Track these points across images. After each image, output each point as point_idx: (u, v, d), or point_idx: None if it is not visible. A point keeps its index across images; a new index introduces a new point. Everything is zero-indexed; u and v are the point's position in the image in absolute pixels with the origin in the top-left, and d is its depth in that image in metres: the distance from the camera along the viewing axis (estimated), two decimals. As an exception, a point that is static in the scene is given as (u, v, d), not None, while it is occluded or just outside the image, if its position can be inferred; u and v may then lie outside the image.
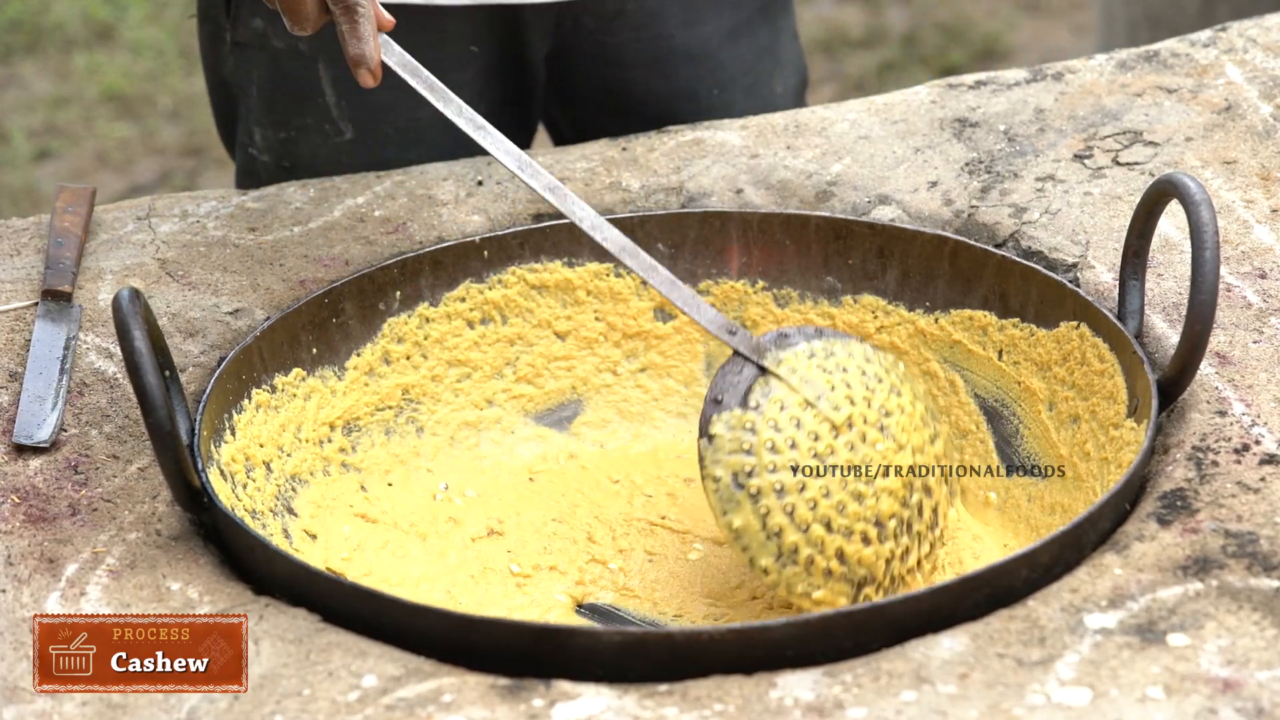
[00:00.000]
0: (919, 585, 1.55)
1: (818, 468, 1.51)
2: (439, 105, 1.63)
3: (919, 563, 1.56)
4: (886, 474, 1.52)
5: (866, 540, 1.51)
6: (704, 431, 1.53)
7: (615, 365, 1.81)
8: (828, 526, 1.51)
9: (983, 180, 1.89)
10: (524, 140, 2.21)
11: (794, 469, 1.51)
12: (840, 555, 1.51)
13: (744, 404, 1.53)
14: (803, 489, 1.51)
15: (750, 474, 1.51)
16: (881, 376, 1.56)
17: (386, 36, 1.65)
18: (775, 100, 2.23)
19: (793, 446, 1.51)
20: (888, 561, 1.53)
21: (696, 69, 2.18)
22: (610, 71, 2.16)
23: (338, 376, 1.72)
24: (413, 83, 1.64)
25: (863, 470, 1.52)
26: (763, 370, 1.54)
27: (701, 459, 1.53)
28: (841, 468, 1.52)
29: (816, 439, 1.52)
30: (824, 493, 1.51)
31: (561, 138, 2.30)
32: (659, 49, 2.16)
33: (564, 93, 2.21)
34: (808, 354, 1.56)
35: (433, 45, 2.00)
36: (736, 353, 1.55)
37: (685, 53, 2.16)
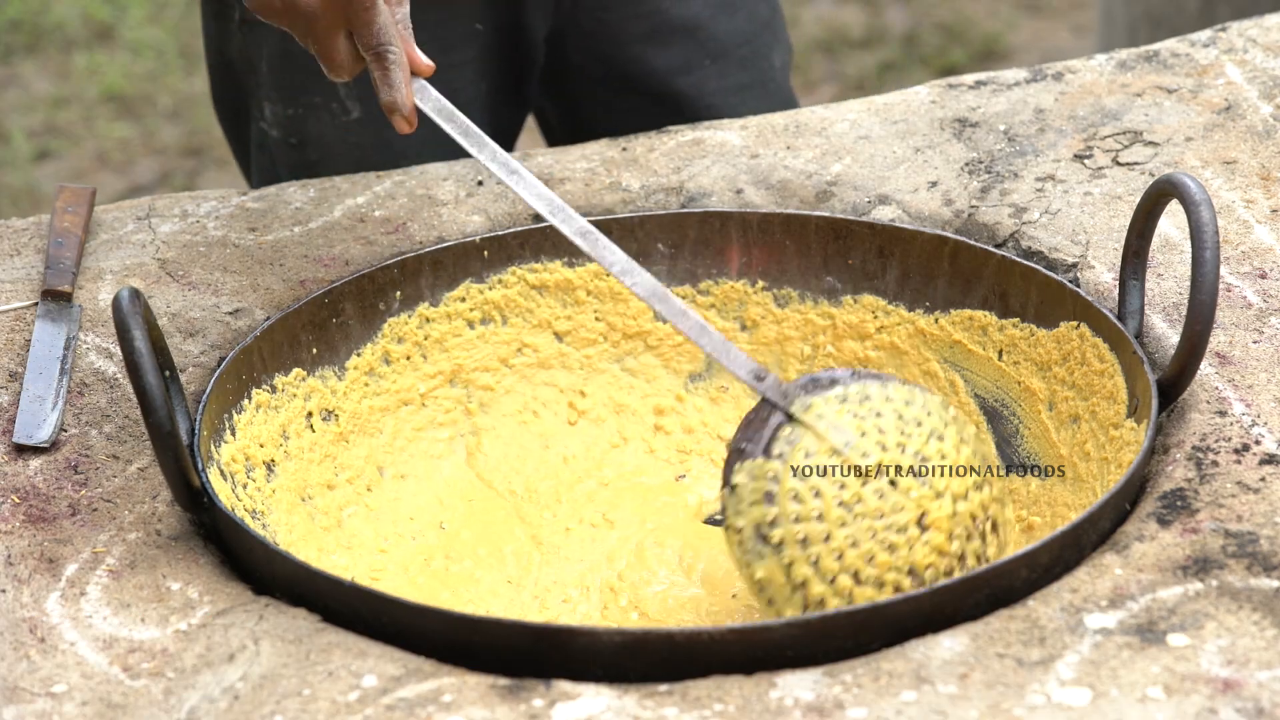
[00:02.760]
0: None
1: (842, 518, 1.46)
2: (474, 151, 1.61)
3: None
4: (920, 522, 1.47)
5: (899, 591, 1.46)
6: (726, 481, 1.50)
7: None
8: (855, 578, 1.46)
9: (983, 180, 1.89)
10: (517, 122, 2.23)
11: (818, 517, 1.46)
12: None
13: (767, 452, 1.49)
14: (827, 539, 1.46)
15: (773, 524, 1.47)
16: (921, 420, 1.51)
17: (423, 81, 1.64)
18: (774, 74, 2.25)
19: (816, 495, 1.47)
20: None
21: (690, 40, 2.20)
22: (608, 49, 2.18)
23: (338, 376, 1.72)
24: (447, 128, 1.63)
25: (889, 517, 1.46)
26: (789, 417, 1.50)
27: (723, 509, 1.50)
28: (870, 516, 1.46)
29: (843, 488, 1.47)
30: (851, 543, 1.46)
31: (550, 130, 2.31)
32: (654, 23, 2.20)
33: (561, 75, 2.22)
34: (839, 399, 1.50)
35: (439, 23, 2.00)
36: (764, 399, 1.51)
37: (680, 25, 2.20)
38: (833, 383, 1.52)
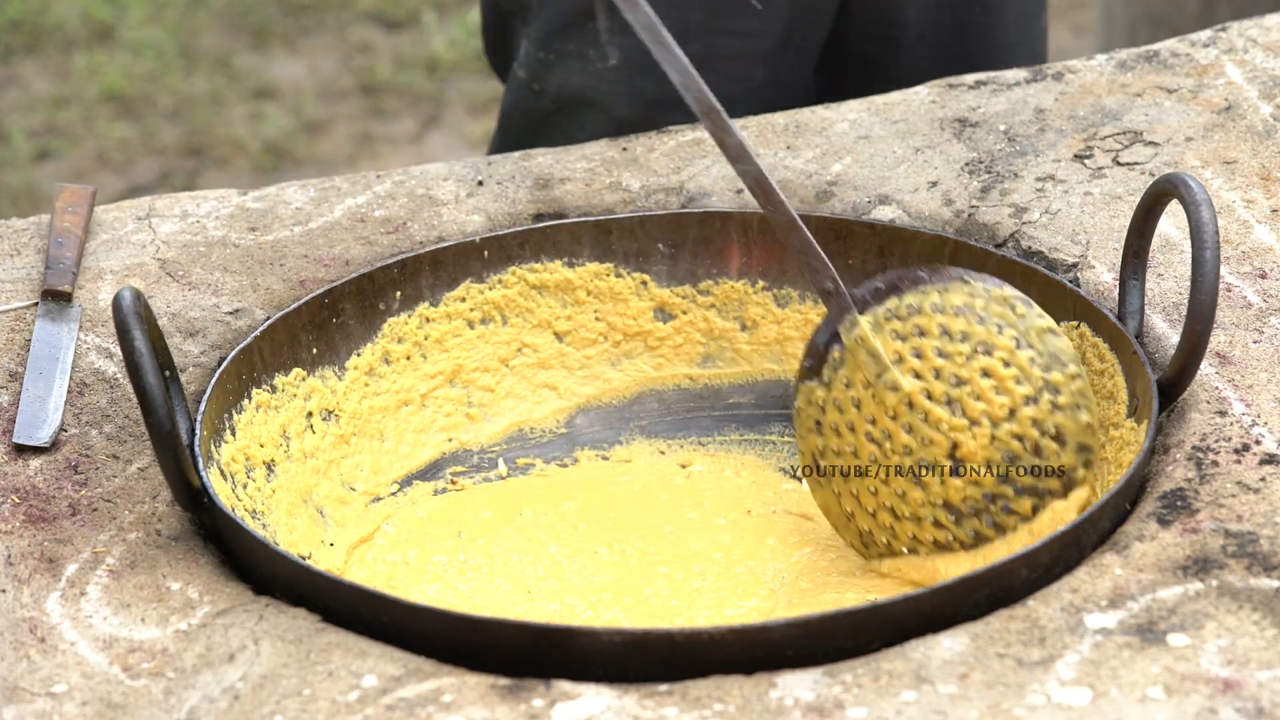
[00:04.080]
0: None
1: (874, 454, 1.48)
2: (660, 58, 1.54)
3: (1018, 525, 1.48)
4: (952, 454, 1.46)
5: (939, 525, 1.47)
6: (793, 395, 1.53)
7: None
8: (893, 514, 1.47)
9: (983, 180, 1.89)
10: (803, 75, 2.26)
11: (853, 452, 1.48)
12: (915, 539, 1.48)
13: (819, 376, 1.52)
14: (862, 473, 1.48)
15: (823, 453, 1.50)
16: (970, 332, 1.47)
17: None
18: (1040, 36, 2.28)
19: (852, 430, 1.49)
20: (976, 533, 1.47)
21: None
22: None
23: (338, 376, 1.72)
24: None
25: (918, 453, 1.46)
26: (838, 339, 1.51)
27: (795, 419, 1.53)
28: (899, 452, 1.48)
29: (874, 422, 1.48)
30: (883, 479, 1.47)
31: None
32: None
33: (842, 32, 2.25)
34: (886, 315, 1.50)
35: None
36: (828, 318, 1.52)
37: None
38: (893, 289, 1.51)
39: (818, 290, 1.53)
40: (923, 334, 1.49)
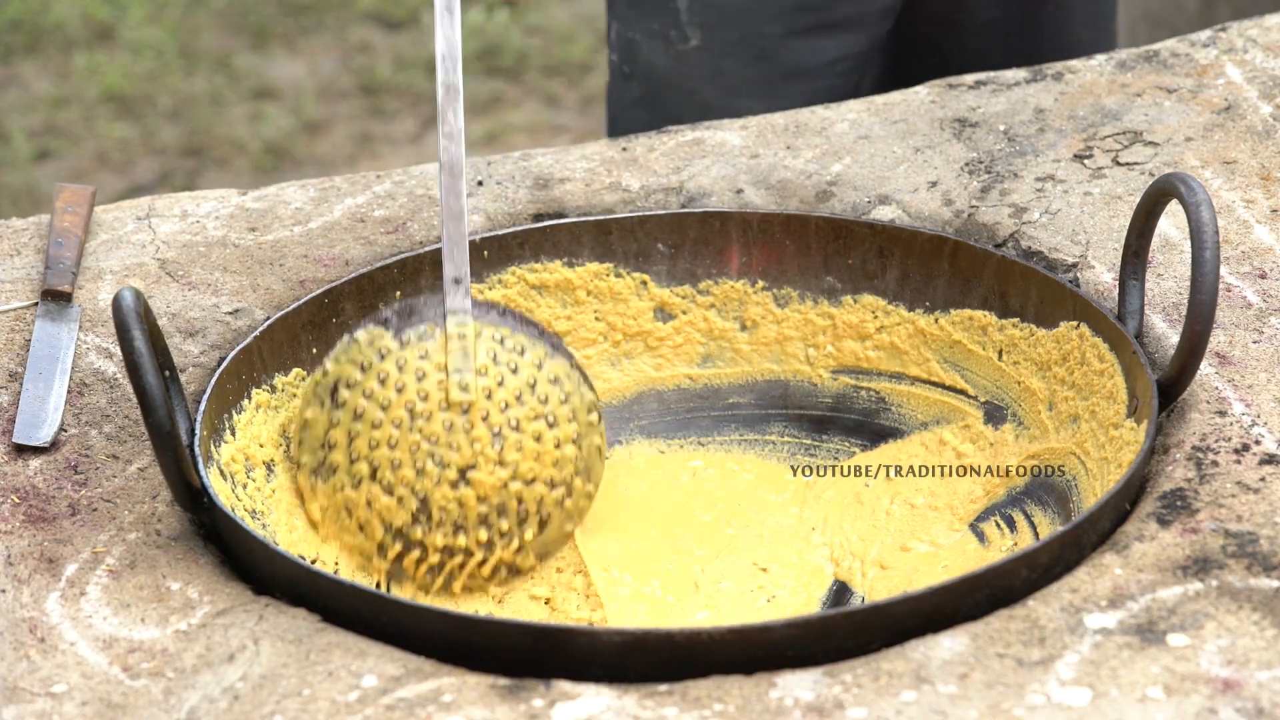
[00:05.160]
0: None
1: (402, 419, 1.54)
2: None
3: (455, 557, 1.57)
4: (462, 470, 1.55)
5: (399, 502, 1.54)
6: (352, 331, 1.58)
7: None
8: (373, 473, 1.54)
9: (983, 180, 1.89)
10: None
11: (385, 407, 1.54)
12: (369, 504, 1.55)
13: (398, 333, 1.56)
14: (377, 425, 1.54)
15: (349, 386, 1.55)
16: (548, 397, 1.57)
17: None
18: (1110, 34, 2.30)
19: (399, 390, 1.54)
20: (400, 531, 1.55)
21: None
22: None
23: (337, 376, 1.72)
24: None
25: (439, 448, 1.54)
26: (442, 321, 1.57)
27: (333, 349, 1.58)
28: (425, 435, 1.54)
29: (424, 398, 1.54)
30: (390, 443, 1.54)
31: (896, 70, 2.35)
32: None
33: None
34: (496, 337, 1.57)
35: None
36: (440, 297, 1.57)
37: None
38: (517, 323, 1.59)
39: (446, 277, 1.57)
40: (515, 372, 1.57)
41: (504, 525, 1.57)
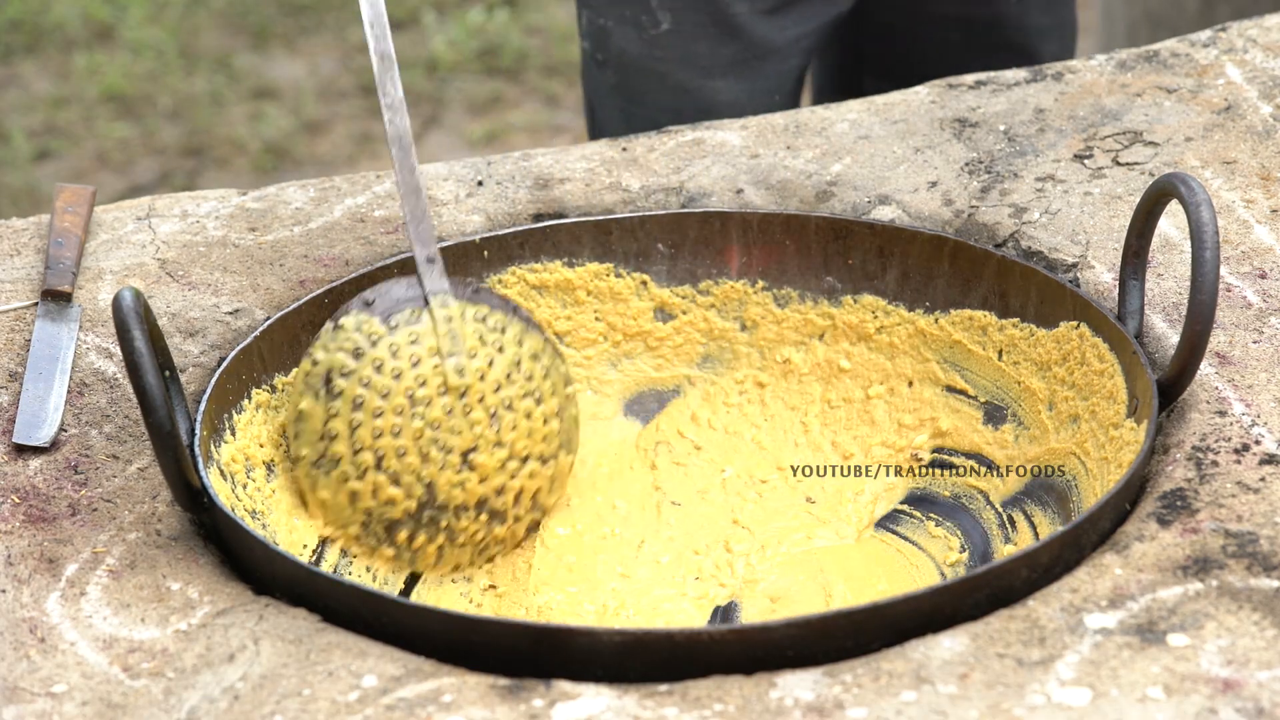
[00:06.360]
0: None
1: (403, 407, 1.55)
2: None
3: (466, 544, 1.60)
4: (465, 454, 1.56)
5: (407, 493, 1.55)
6: (336, 318, 1.58)
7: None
8: (379, 462, 1.55)
9: (983, 180, 1.89)
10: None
11: (385, 395, 1.54)
12: (375, 492, 1.56)
13: (385, 317, 1.57)
14: (379, 415, 1.55)
15: (344, 374, 1.55)
16: (534, 375, 1.59)
17: None
18: (1073, 22, 2.28)
19: (396, 377, 1.55)
20: (411, 514, 1.57)
21: None
22: None
23: (337, 376, 1.72)
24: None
25: (442, 435, 1.55)
26: (426, 303, 1.57)
27: (317, 338, 1.58)
28: (428, 422, 1.55)
29: (423, 384, 1.55)
30: (395, 431, 1.55)
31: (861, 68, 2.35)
32: None
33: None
34: (479, 316, 1.59)
35: None
36: (418, 278, 1.58)
37: None
38: (489, 304, 1.60)
39: (418, 258, 1.58)
40: (501, 351, 1.59)
41: (500, 504, 1.60)
